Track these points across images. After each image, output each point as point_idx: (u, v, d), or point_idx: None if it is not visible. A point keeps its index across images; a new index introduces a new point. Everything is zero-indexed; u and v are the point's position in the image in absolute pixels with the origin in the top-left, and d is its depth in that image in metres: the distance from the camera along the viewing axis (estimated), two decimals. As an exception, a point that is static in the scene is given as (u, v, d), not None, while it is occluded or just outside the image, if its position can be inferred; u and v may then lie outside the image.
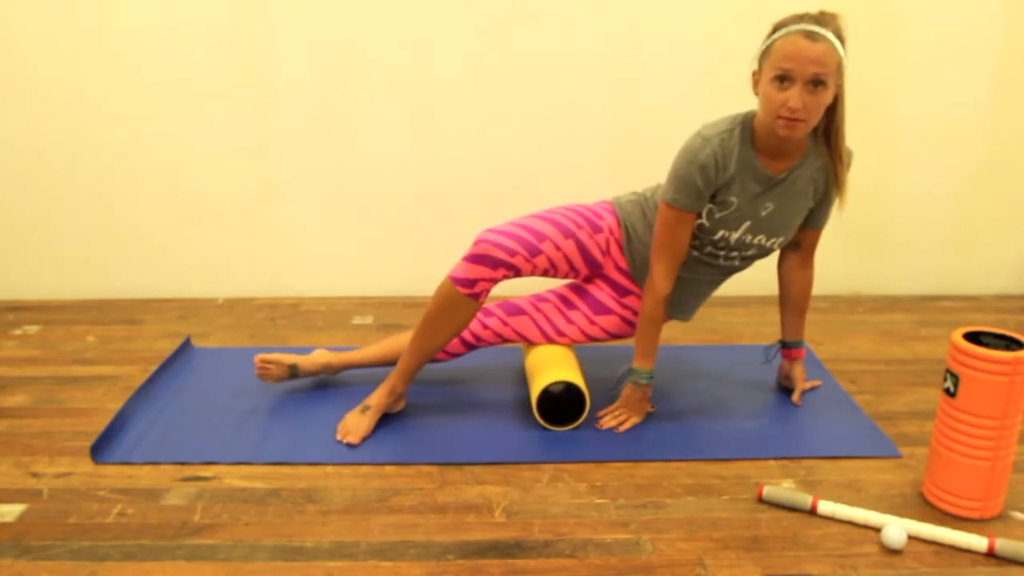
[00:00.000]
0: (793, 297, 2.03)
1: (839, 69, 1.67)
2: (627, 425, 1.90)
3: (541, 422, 1.90)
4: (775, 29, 1.68)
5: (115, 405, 1.99)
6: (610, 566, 1.46)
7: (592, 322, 1.99)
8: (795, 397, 2.03)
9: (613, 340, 2.03)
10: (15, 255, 2.69)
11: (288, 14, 2.50)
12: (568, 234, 1.90)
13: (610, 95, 2.61)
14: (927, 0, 2.54)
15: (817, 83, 1.63)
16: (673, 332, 2.48)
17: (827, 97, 1.66)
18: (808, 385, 2.07)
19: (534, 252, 1.85)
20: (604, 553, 1.49)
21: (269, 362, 2.02)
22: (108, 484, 1.68)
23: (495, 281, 1.84)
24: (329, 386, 2.09)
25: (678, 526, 1.56)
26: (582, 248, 1.92)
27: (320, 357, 2.07)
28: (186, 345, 2.30)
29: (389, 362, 2.04)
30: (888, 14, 2.55)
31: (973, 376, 1.52)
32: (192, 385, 2.09)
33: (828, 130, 1.77)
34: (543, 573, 1.44)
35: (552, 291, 2.04)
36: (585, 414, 1.91)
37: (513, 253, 1.83)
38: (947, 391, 1.58)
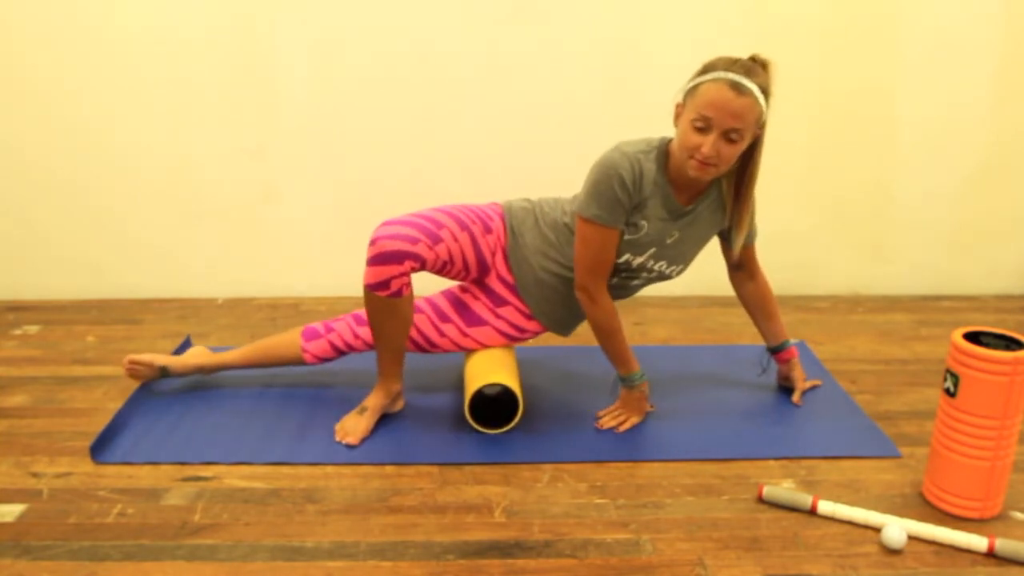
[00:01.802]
0: (756, 307, 2.04)
1: (758, 122, 1.68)
2: (627, 425, 1.90)
3: (475, 426, 1.88)
4: (705, 70, 1.68)
5: (115, 405, 1.99)
6: (610, 566, 1.46)
7: (465, 334, 1.96)
8: (795, 397, 2.03)
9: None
10: (15, 255, 2.69)
11: (288, 14, 2.50)
12: (464, 227, 1.87)
13: (610, 95, 2.60)
14: (927, 0, 2.54)
15: (734, 135, 1.65)
16: (673, 332, 2.48)
17: (741, 148, 1.69)
18: (808, 385, 2.07)
19: (435, 239, 1.80)
20: (604, 553, 1.49)
21: (138, 362, 2.00)
22: (108, 484, 1.68)
23: (406, 274, 1.78)
24: (329, 387, 2.09)
25: (678, 526, 1.56)
26: (475, 245, 1.89)
27: (193, 358, 2.05)
28: (186, 345, 2.30)
29: (263, 363, 2.03)
30: (888, 14, 2.55)
31: (973, 376, 1.52)
32: (192, 385, 2.09)
33: (741, 175, 1.79)
34: (543, 573, 1.44)
35: (428, 300, 1.99)
36: (519, 414, 1.88)
37: (415, 241, 1.77)
38: (947, 391, 1.58)
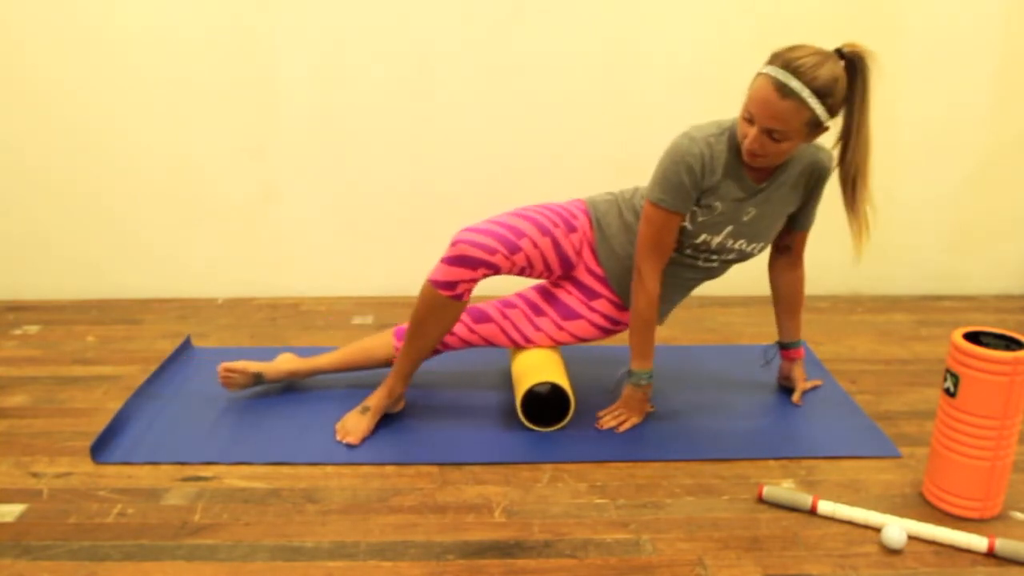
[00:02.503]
0: (785, 298, 2.03)
1: (809, 125, 1.64)
2: (627, 425, 1.90)
3: (525, 422, 1.89)
4: (771, 58, 1.65)
5: (115, 405, 1.99)
6: (610, 566, 1.46)
7: (560, 328, 1.97)
8: (795, 397, 2.03)
9: (582, 343, 2.02)
10: (15, 255, 2.69)
11: (288, 14, 2.50)
12: (545, 231, 1.89)
13: (610, 95, 2.60)
14: (927, 0, 2.54)
15: (776, 134, 1.64)
16: (673, 332, 2.48)
17: (789, 145, 1.67)
18: (808, 385, 2.07)
19: (513, 249, 1.84)
20: (604, 553, 1.49)
21: (232, 370, 1.99)
22: (108, 484, 1.68)
23: (475, 281, 1.83)
24: (329, 387, 2.09)
25: (678, 526, 1.56)
26: (557, 246, 1.91)
27: (285, 364, 2.05)
28: (186, 345, 2.30)
29: (356, 367, 2.04)
30: (888, 14, 2.55)
31: (973, 376, 1.52)
32: (192, 385, 2.09)
33: (845, 179, 1.73)
34: (543, 573, 1.44)
35: (520, 295, 2.02)
36: (570, 414, 1.90)
37: (493, 252, 1.81)
38: (947, 391, 1.58)
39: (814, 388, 2.09)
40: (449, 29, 2.53)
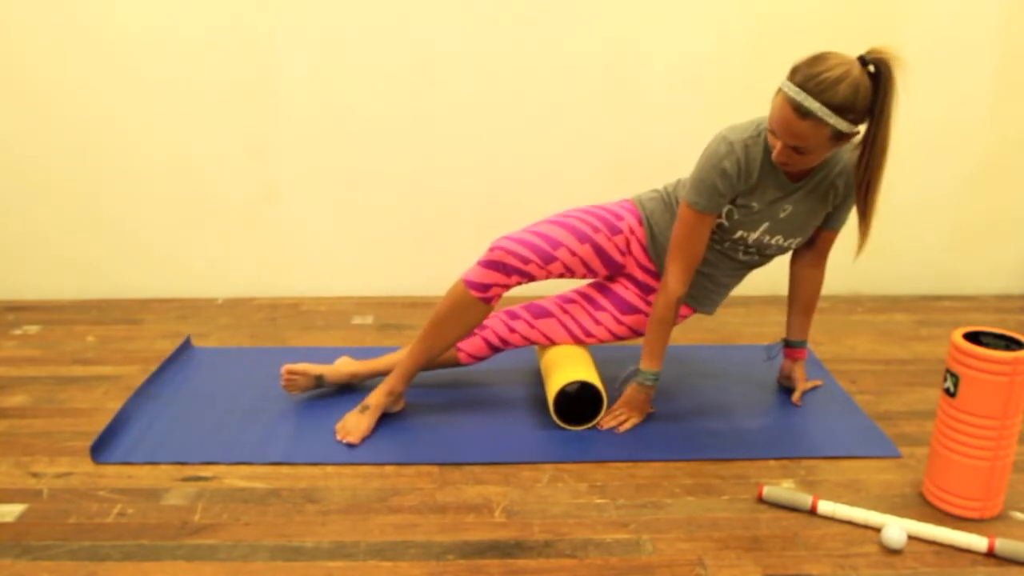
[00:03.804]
0: (802, 296, 2.03)
1: (833, 138, 1.64)
2: (627, 425, 1.90)
3: (557, 421, 1.90)
4: (792, 71, 1.62)
5: (115, 405, 1.99)
6: (610, 566, 1.46)
7: (619, 321, 1.99)
8: (795, 397, 2.03)
9: (639, 338, 2.03)
10: (15, 255, 2.69)
11: (288, 14, 2.50)
12: (584, 239, 1.90)
13: (610, 95, 2.60)
14: (927, 0, 2.54)
15: (799, 149, 1.65)
16: (673, 332, 2.47)
17: (815, 157, 1.68)
18: (808, 385, 2.07)
19: (548, 260, 1.87)
20: (604, 553, 1.49)
21: (296, 373, 1.99)
22: (108, 484, 1.68)
23: (507, 287, 1.86)
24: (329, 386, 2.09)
25: (678, 526, 1.56)
26: (599, 251, 1.92)
27: (346, 366, 2.05)
28: (186, 345, 2.30)
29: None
30: (888, 14, 2.55)
31: (973, 376, 1.52)
32: (192, 385, 2.09)
33: (859, 184, 1.73)
34: (543, 573, 1.44)
35: (577, 291, 2.04)
36: (602, 413, 1.91)
37: (527, 261, 1.85)
38: (947, 391, 1.58)
39: (814, 388, 2.09)
40: (449, 29, 2.53)
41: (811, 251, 1.99)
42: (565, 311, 2.00)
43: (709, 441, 1.85)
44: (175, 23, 2.49)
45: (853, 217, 1.80)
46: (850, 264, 2.79)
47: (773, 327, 2.50)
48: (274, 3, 2.49)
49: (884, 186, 2.79)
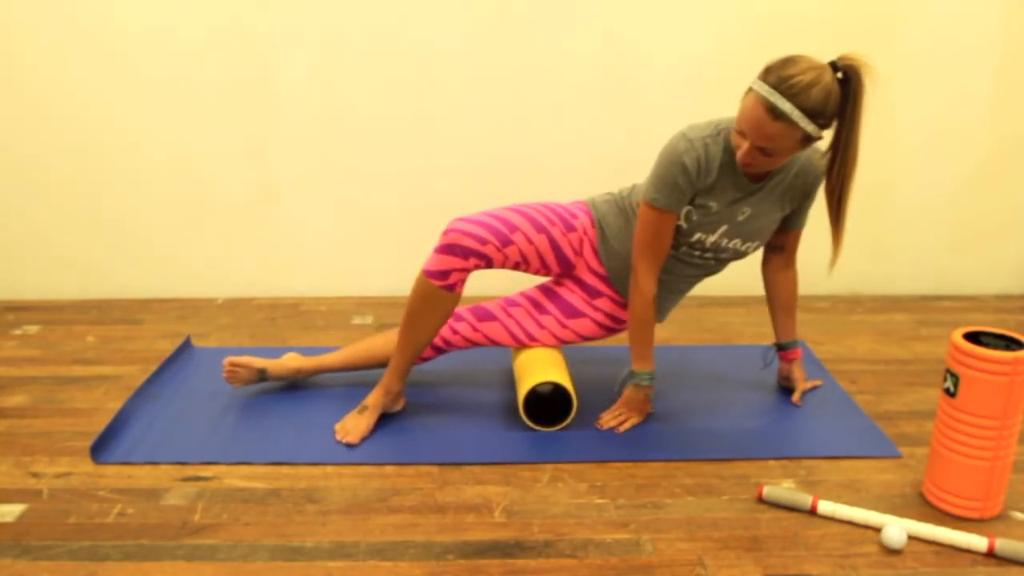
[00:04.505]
0: (780, 298, 2.03)
1: (802, 140, 1.65)
2: (627, 425, 1.90)
3: (528, 422, 1.90)
4: (765, 72, 1.62)
5: (115, 405, 1.99)
6: (610, 566, 1.46)
7: (564, 326, 1.98)
8: (795, 397, 2.03)
9: (585, 342, 2.03)
10: (15, 255, 2.69)
11: (288, 14, 2.50)
12: (541, 229, 1.89)
13: (610, 95, 2.60)
14: (927, 0, 2.54)
15: (767, 150, 1.65)
16: (673, 332, 2.48)
17: (780, 159, 1.68)
18: (808, 385, 2.07)
19: (505, 242, 1.83)
20: (604, 553, 1.49)
21: (238, 365, 2.00)
22: (108, 484, 1.68)
23: (467, 271, 1.82)
24: (329, 386, 2.09)
25: (678, 526, 1.56)
26: (554, 245, 1.91)
27: (291, 362, 2.05)
28: (186, 345, 2.30)
29: (362, 366, 2.04)
30: (888, 14, 2.55)
31: (973, 376, 1.52)
32: (192, 385, 2.09)
33: (831, 193, 1.73)
34: (543, 573, 1.44)
35: (523, 294, 2.02)
36: (573, 414, 1.90)
37: (484, 242, 1.81)
38: (947, 391, 1.58)
39: (814, 388, 2.09)
40: (449, 29, 2.53)
41: (780, 255, 2.00)
42: (509, 315, 1.99)
43: (709, 441, 1.85)
44: (175, 23, 2.49)
45: (824, 222, 1.79)
46: (850, 263, 2.81)
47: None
48: (274, 3, 2.49)
49: (884, 186, 2.81)
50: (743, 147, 1.66)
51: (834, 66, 1.63)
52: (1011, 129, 2.68)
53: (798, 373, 2.06)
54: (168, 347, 2.33)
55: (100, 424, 1.89)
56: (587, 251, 1.94)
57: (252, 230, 2.71)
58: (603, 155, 2.65)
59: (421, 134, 2.62)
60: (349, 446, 1.82)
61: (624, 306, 1.97)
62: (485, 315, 1.99)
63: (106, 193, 2.64)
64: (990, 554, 1.49)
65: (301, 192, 2.67)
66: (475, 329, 1.98)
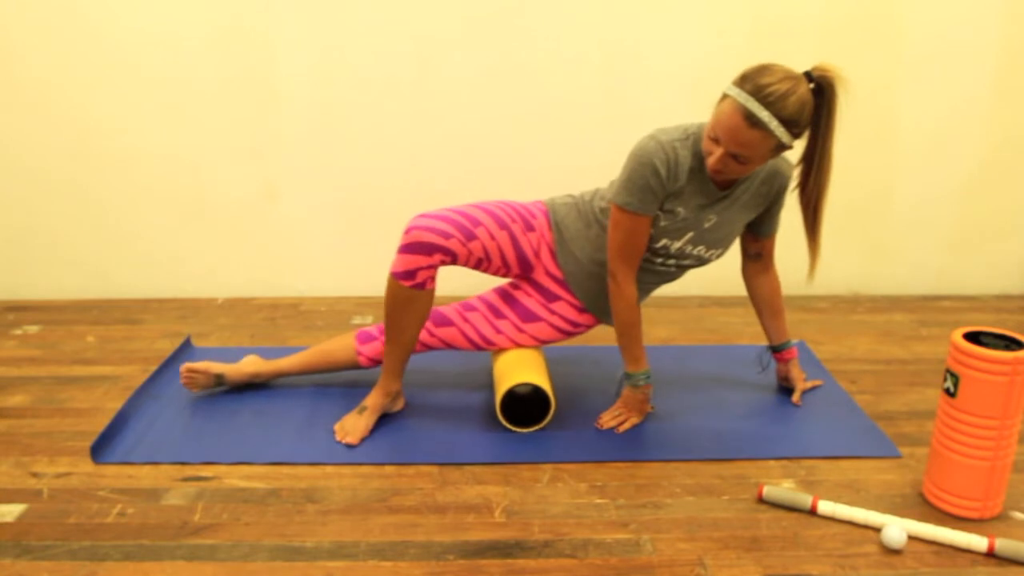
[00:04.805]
0: (764, 301, 2.03)
1: (775, 149, 1.65)
2: (627, 425, 1.90)
3: (507, 425, 1.89)
4: (742, 79, 1.62)
5: (115, 405, 1.99)
6: (610, 566, 1.46)
7: (520, 330, 1.97)
8: (795, 397, 2.03)
9: (543, 345, 2.02)
10: (15, 255, 2.69)
11: (288, 14, 2.50)
12: (503, 225, 1.88)
13: (609, 97, 2.61)
14: (927, 0, 2.54)
15: (741, 157, 1.64)
16: (673, 332, 2.48)
17: (752, 166, 1.68)
18: (808, 385, 2.07)
19: (469, 236, 1.82)
20: (604, 553, 1.49)
21: (195, 371, 2.00)
22: (108, 484, 1.68)
23: (434, 267, 1.80)
24: (329, 386, 2.09)
25: (678, 526, 1.56)
26: (515, 242, 1.89)
27: (248, 366, 2.05)
28: (186, 345, 2.30)
29: (320, 369, 2.04)
30: (888, 14, 2.55)
31: (973, 376, 1.52)
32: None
33: (806, 204, 1.75)
34: (543, 573, 1.44)
35: (480, 298, 2.01)
36: (551, 413, 1.90)
37: (447, 236, 1.79)
38: (947, 391, 1.58)
39: (814, 388, 2.09)
40: (449, 29, 2.53)
41: (756, 261, 2.01)
42: (466, 320, 1.98)
43: (709, 441, 1.85)
44: (175, 23, 2.49)
45: (796, 224, 1.80)
46: (850, 263, 2.81)
47: (773, 327, 2.50)
48: (274, 3, 2.49)
49: (884, 187, 2.81)
50: (715, 153, 1.65)
51: (808, 76, 1.64)
52: (1011, 130, 2.68)
53: (796, 373, 2.06)
54: (168, 347, 2.33)
55: (100, 424, 1.89)
56: (544, 254, 1.94)
57: (252, 230, 2.71)
58: (602, 155, 2.64)
59: (421, 134, 2.62)
60: (349, 446, 1.82)
61: (580, 310, 1.96)
62: (442, 320, 1.98)
63: (106, 193, 2.64)
64: (990, 554, 1.49)
65: (301, 192, 2.67)
66: (431, 335, 1.97)
